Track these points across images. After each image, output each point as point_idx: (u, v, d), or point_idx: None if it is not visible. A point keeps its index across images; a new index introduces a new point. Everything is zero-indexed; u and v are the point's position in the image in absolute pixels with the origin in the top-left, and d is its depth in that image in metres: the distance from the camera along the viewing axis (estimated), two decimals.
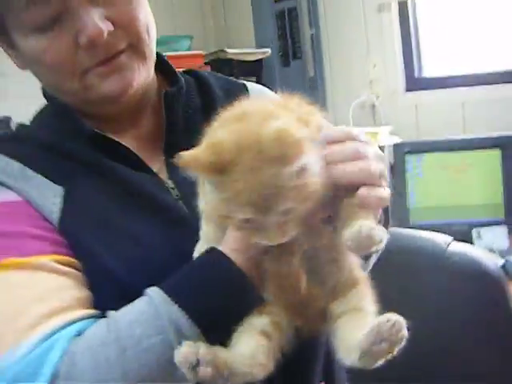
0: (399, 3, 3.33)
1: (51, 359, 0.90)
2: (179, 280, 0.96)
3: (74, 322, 0.95)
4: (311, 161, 0.81)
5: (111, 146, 1.12)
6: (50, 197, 1.05)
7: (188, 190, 1.10)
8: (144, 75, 1.13)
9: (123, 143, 1.14)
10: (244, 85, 1.37)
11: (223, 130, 0.84)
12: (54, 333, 0.92)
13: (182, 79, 1.24)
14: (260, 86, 1.40)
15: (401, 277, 1.05)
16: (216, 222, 0.96)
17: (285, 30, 3.72)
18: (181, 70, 1.32)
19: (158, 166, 1.18)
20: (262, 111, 0.84)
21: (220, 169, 0.79)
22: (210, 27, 3.98)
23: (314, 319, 0.96)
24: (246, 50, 3.49)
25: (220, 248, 0.97)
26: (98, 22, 1.02)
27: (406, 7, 3.35)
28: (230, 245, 0.97)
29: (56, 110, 1.18)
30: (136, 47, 1.10)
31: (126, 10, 1.07)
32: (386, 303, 1.03)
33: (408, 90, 3.41)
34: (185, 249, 1.03)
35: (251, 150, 0.78)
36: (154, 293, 0.94)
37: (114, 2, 1.06)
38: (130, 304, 0.95)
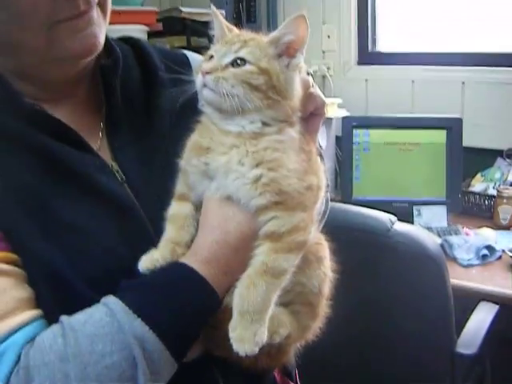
0: None
1: (2, 371, 0.84)
2: (141, 292, 0.91)
3: (20, 327, 0.88)
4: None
5: (50, 123, 1.02)
6: None
7: (133, 172, 1.07)
8: (104, 35, 1.05)
9: (60, 118, 1.03)
10: (184, 55, 1.31)
11: None
12: (0, 341, 0.86)
13: (118, 50, 1.16)
14: (200, 56, 1.28)
15: (344, 252, 1.06)
16: None
17: None
18: (116, 37, 1.23)
19: (97, 143, 1.10)
20: None
21: None
22: None
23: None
24: (199, 10, 3.41)
25: (187, 261, 0.93)
26: None
27: None
28: (200, 255, 0.94)
29: None
30: (103, 4, 1.03)
31: None
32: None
33: (360, 63, 3.42)
34: (130, 237, 1.00)
35: None
36: (113, 304, 0.89)
37: None
38: (86, 313, 0.89)
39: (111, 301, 0.90)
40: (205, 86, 0.93)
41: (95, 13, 1.01)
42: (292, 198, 0.92)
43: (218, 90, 0.91)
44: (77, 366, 0.84)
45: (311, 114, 1.02)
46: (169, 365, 0.90)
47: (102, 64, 1.13)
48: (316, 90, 1.03)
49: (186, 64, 1.26)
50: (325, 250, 1.04)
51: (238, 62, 0.93)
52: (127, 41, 1.25)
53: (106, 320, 0.87)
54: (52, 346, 0.85)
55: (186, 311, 0.91)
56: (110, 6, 1.06)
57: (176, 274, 0.93)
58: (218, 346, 0.96)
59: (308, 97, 1.00)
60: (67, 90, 1.10)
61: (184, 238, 0.97)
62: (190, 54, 1.32)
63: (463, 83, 3.07)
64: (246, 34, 0.99)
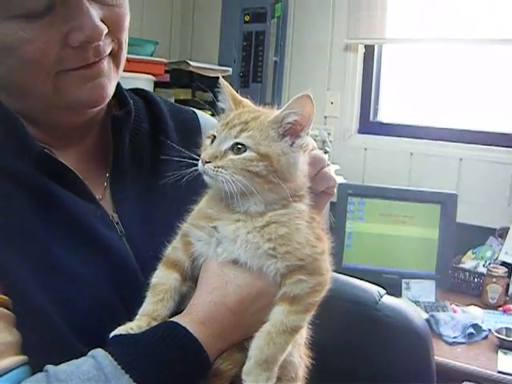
0: (366, 47, 3.39)
1: None
2: (131, 347, 0.89)
3: (4, 372, 0.87)
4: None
5: (57, 168, 1.02)
6: None
7: (133, 227, 1.08)
8: (114, 86, 1.06)
9: (67, 164, 1.04)
10: (194, 113, 1.31)
11: None
12: None
13: (131, 102, 1.17)
14: (209, 117, 1.33)
15: (331, 321, 1.06)
16: None
17: (249, 52, 3.72)
18: (129, 88, 1.23)
19: (101, 192, 1.11)
20: None
21: None
22: (176, 36, 3.95)
23: None
24: (207, 66, 3.46)
25: (181, 320, 0.92)
26: (98, 22, 0.95)
27: (373, 52, 3.41)
28: (196, 315, 0.93)
29: None
30: (115, 54, 1.04)
31: (118, 13, 1.01)
32: (317, 346, 1.03)
33: (360, 131, 3.46)
34: (122, 290, 1.00)
35: None
36: (101, 358, 0.87)
37: (109, 2, 0.99)
38: (72, 364, 0.87)
39: (100, 354, 0.88)
40: (204, 172, 0.93)
41: (106, 64, 1.01)
42: (309, 264, 0.94)
43: (217, 178, 0.91)
44: None
45: (321, 192, 1.03)
46: None
47: (113, 115, 1.13)
48: (330, 169, 1.04)
49: (195, 122, 1.28)
50: (304, 334, 1.04)
51: (239, 146, 0.93)
52: (137, 92, 1.25)
53: (92, 373, 0.85)
54: None
55: (174, 371, 0.89)
56: (123, 58, 1.07)
57: (168, 332, 0.91)
58: None
59: (322, 176, 1.02)
60: (75, 137, 1.11)
61: (161, 312, 0.95)
62: (199, 113, 1.33)
63: (461, 160, 3.11)
64: (251, 110, 0.98)
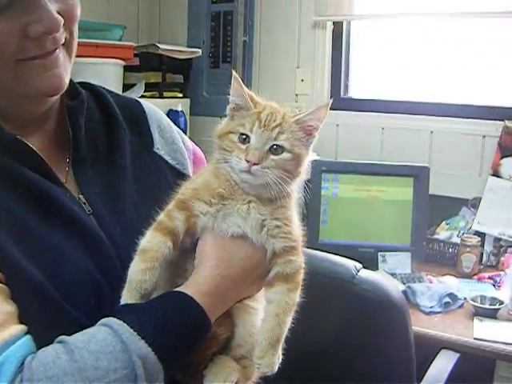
0: (334, 23, 3.40)
1: (1, 381, 0.87)
2: (143, 316, 0.96)
3: (14, 340, 0.92)
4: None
5: (28, 154, 1.08)
6: None
7: (99, 206, 1.14)
8: (69, 75, 1.11)
9: (36, 150, 1.09)
10: (138, 102, 1.39)
11: None
12: None
13: (83, 92, 1.23)
14: (153, 106, 1.42)
15: (309, 296, 1.09)
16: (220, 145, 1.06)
17: (218, 33, 3.71)
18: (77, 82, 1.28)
19: (64, 176, 1.15)
20: None
21: None
22: (143, 19, 3.91)
23: None
24: (176, 48, 3.45)
25: (189, 291, 1.00)
26: (55, 14, 1.00)
27: (341, 28, 3.42)
28: (204, 286, 1.01)
29: None
30: (68, 44, 1.09)
31: (71, 4, 1.07)
32: (297, 321, 1.07)
33: (332, 108, 3.43)
34: (100, 263, 1.06)
35: None
36: (117, 325, 0.93)
37: None
38: (87, 333, 0.93)
39: (115, 322, 0.94)
40: (248, 171, 1.01)
41: (61, 54, 1.07)
42: (298, 244, 1.06)
43: (263, 179, 1.01)
44: (82, 380, 0.87)
45: None
46: None
47: (68, 104, 1.19)
48: None
49: (140, 110, 1.35)
50: None
51: (275, 147, 1.02)
52: (84, 86, 1.29)
53: (110, 340, 0.92)
54: (55, 362, 0.89)
55: (183, 338, 0.98)
56: (75, 47, 1.12)
57: (177, 303, 0.99)
58: (185, 373, 1.05)
59: None
60: (35, 126, 1.16)
61: (149, 285, 1.01)
62: (143, 102, 1.40)
63: (431, 132, 3.15)
64: (276, 110, 1.06)
